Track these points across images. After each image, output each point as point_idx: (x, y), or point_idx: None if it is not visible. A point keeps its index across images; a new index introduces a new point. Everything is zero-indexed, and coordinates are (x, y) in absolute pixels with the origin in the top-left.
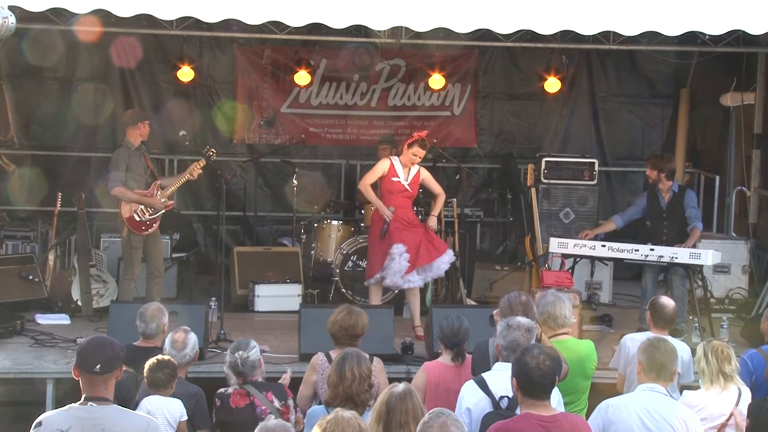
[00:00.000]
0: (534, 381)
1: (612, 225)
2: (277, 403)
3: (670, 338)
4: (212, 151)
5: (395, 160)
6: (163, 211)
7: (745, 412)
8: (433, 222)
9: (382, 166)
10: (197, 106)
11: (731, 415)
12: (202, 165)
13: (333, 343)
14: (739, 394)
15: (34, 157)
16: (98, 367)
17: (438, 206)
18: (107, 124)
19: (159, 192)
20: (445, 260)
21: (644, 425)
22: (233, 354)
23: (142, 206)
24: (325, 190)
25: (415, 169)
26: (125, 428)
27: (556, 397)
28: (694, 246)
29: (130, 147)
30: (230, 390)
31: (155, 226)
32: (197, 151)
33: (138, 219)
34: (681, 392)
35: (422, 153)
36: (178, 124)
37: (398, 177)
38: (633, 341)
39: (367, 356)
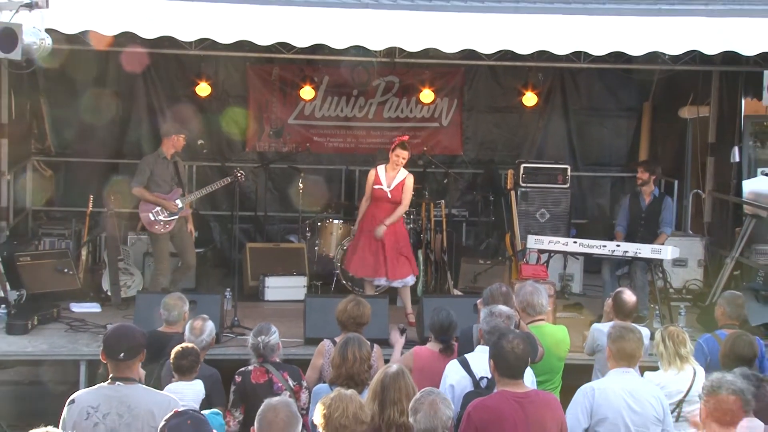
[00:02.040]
0: (509, 363)
1: (621, 235)
2: (291, 383)
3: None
4: (241, 173)
5: (380, 168)
6: (177, 216)
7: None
8: (379, 231)
9: (370, 178)
10: (213, 118)
11: (688, 391)
12: (226, 183)
13: (339, 329)
14: (694, 374)
15: (68, 164)
16: (122, 355)
17: (394, 215)
18: (133, 133)
19: (179, 198)
20: (396, 283)
21: (629, 406)
22: (256, 338)
23: (159, 207)
24: (327, 192)
25: (401, 175)
26: (149, 405)
27: (529, 378)
28: None
29: (159, 155)
30: (251, 367)
31: (169, 227)
32: (213, 158)
33: (152, 218)
34: (642, 373)
35: (405, 153)
36: (196, 134)
37: (380, 185)
38: (600, 332)
39: (368, 341)
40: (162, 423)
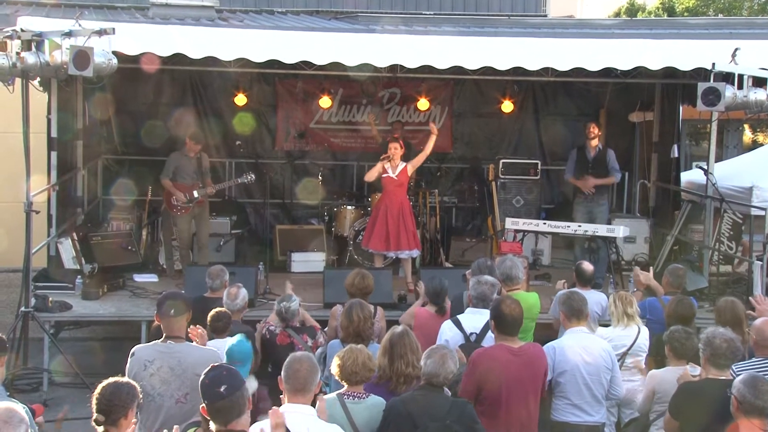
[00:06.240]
0: (507, 322)
1: (573, 179)
2: (309, 342)
3: (593, 291)
4: (251, 176)
5: (386, 165)
6: (192, 204)
7: (645, 345)
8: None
9: (378, 168)
10: (249, 124)
11: (631, 345)
12: (237, 183)
13: (348, 298)
14: (638, 331)
15: (132, 161)
16: (172, 312)
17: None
18: (184, 135)
19: (197, 190)
20: (404, 254)
21: (583, 359)
22: (279, 304)
23: (176, 195)
24: (341, 183)
25: (402, 165)
26: (195, 359)
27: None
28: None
29: (182, 153)
30: (277, 330)
31: (185, 211)
32: (248, 156)
33: (173, 203)
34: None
35: (395, 145)
36: (234, 136)
37: (387, 173)
38: None
39: (369, 304)
40: (202, 376)
